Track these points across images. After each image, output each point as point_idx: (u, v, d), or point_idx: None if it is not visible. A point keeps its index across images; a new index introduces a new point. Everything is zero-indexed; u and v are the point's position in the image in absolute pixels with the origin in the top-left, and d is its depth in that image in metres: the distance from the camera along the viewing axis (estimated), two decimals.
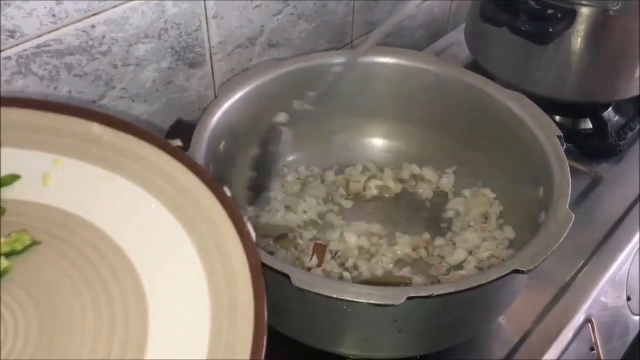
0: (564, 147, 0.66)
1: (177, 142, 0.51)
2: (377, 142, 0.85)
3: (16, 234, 0.45)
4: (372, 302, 0.51)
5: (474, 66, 0.97)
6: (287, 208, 0.78)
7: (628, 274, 0.79)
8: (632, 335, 0.81)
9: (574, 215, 0.59)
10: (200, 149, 0.65)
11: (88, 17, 0.68)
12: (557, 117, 0.96)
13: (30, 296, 0.43)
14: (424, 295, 0.52)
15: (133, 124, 0.51)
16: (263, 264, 0.45)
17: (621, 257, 0.77)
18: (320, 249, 0.72)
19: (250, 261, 0.44)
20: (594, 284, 0.74)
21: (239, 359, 0.40)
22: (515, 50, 0.89)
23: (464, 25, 1.03)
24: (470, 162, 0.79)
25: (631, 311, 0.80)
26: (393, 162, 0.84)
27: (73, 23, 0.67)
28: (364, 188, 0.81)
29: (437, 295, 0.52)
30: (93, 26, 0.69)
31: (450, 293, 0.52)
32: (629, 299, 0.79)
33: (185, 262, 0.45)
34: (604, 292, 0.75)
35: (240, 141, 0.72)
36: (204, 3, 0.77)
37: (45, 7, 0.64)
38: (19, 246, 0.45)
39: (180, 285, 0.44)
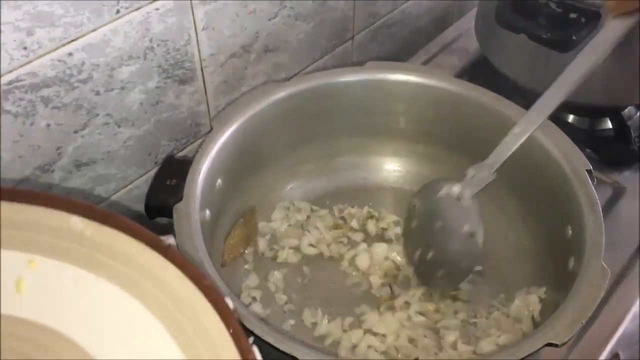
0: (594, 183, 0.61)
1: (170, 240, 0.45)
2: (386, 162, 0.79)
3: None
4: None
5: (484, 62, 0.90)
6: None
7: None
8: None
9: (609, 272, 0.53)
10: (195, 194, 0.60)
11: (64, 45, 0.61)
12: (572, 117, 0.90)
13: None
14: None
15: (119, 216, 0.45)
16: None
17: None
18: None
19: None
20: (622, 316, 0.70)
21: None
22: (531, 52, 0.82)
23: (473, 11, 0.96)
24: (487, 189, 0.73)
25: None
26: (403, 183, 0.78)
27: (48, 53, 0.60)
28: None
29: None
30: (70, 54, 0.62)
31: None
32: None
33: None
34: (632, 322, 0.70)
35: (240, 174, 0.66)
36: (193, 16, 0.70)
37: (14, 40, 0.57)
38: None
39: None
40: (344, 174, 0.78)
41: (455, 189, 0.65)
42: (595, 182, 0.62)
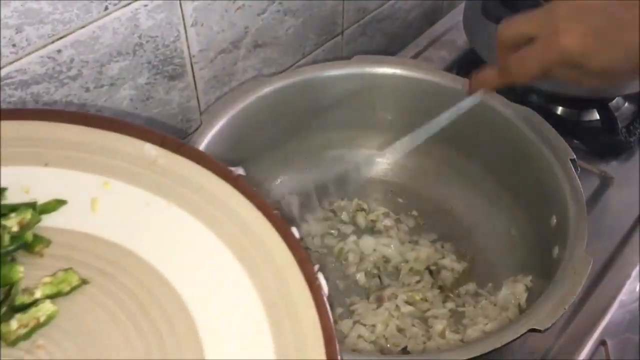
0: (579, 171, 0.61)
1: (239, 170, 0.46)
2: (375, 155, 0.79)
3: (63, 273, 0.41)
4: None
5: (473, 56, 0.91)
6: None
7: None
8: None
9: (592, 259, 0.54)
10: None
11: (53, 42, 0.62)
12: (560, 109, 0.91)
13: (77, 345, 0.39)
14: None
15: (191, 146, 0.46)
16: None
17: (634, 272, 0.73)
18: None
19: (323, 324, 0.39)
20: (608, 304, 0.71)
21: None
22: None
23: (462, 5, 0.96)
24: (475, 178, 0.74)
25: None
26: (392, 176, 0.78)
27: (37, 50, 0.61)
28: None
29: None
30: (59, 51, 0.62)
31: None
32: None
33: (249, 316, 0.40)
34: (618, 310, 0.71)
35: None
36: (182, 12, 0.71)
37: (4, 38, 0.58)
38: (65, 287, 0.41)
39: (241, 340, 0.39)
40: (334, 167, 0.78)
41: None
42: (579, 171, 0.62)
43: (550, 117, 0.70)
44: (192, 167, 0.45)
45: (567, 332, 0.69)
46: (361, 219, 0.76)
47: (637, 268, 0.74)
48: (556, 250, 0.59)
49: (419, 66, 0.73)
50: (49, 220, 0.44)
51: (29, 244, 0.43)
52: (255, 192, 0.45)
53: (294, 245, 0.42)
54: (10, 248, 0.43)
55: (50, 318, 0.40)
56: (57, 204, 0.45)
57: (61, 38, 0.62)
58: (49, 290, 0.41)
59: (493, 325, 0.61)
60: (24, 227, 0.43)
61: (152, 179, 0.45)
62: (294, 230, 0.43)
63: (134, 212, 0.44)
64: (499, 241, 0.72)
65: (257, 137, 0.69)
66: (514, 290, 0.65)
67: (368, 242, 0.72)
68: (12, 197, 0.45)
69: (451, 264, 0.71)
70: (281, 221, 0.43)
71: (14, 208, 0.44)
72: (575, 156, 0.63)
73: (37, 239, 0.43)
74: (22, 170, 0.46)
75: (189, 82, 0.77)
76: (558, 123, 0.70)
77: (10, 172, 0.46)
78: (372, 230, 0.76)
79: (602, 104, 0.89)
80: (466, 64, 0.95)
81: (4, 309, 0.40)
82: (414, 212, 0.77)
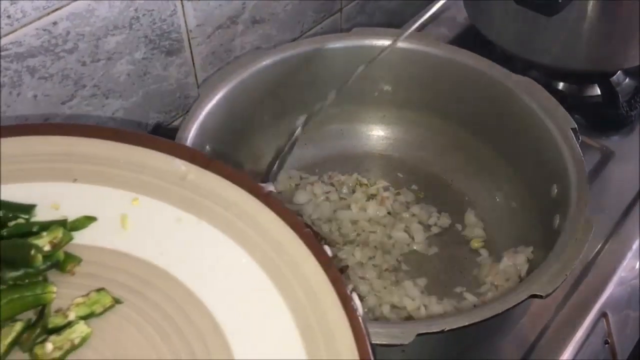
0: (579, 141, 0.61)
1: (270, 187, 0.45)
2: (375, 130, 0.79)
3: (96, 293, 0.41)
4: (379, 342, 0.47)
5: (473, 32, 0.90)
6: None
7: None
8: None
9: (593, 226, 0.54)
10: None
11: (48, 14, 0.61)
12: (562, 84, 0.90)
13: None
14: (434, 331, 0.48)
15: (220, 162, 0.45)
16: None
17: (635, 245, 0.73)
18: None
19: (359, 347, 0.37)
20: (609, 276, 0.70)
21: None
22: (519, 18, 0.82)
23: None
24: (475, 151, 0.73)
25: None
26: (391, 150, 0.78)
27: (32, 22, 0.60)
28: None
29: (449, 330, 0.48)
30: (55, 23, 0.62)
31: (464, 327, 0.48)
32: None
33: (283, 337, 0.39)
34: (618, 286, 0.71)
35: (228, 142, 0.66)
36: None
37: None
38: (98, 309, 0.40)
39: None
40: (333, 141, 0.78)
41: None
42: (580, 141, 0.62)
43: (551, 92, 0.70)
44: (222, 183, 0.45)
45: (569, 304, 0.69)
46: (361, 193, 0.76)
47: (638, 241, 0.74)
48: (557, 220, 0.59)
49: (418, 38, 0.72)
50: (78, 238, 0.43)
51: (60, 262, 0.42)
52: (287, 209, 0.44)
53: (327, 264, 0.41)
54: (43, 267, 0.42)
55: (84, 340, 0.39)
56: (87, 220, 0.44)
57: (56, 10, 0.61)
58: (82, 311, 0.40)
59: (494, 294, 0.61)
60: (55, 246, 0.42)
61: (182, 195, 0.44)
62: (327, 248, 0.42)
63: (165, 228, 0.43)
64: (500, 213, 0.72)
65: (255, 111, 0.69)
66: (515, 262, 0.64)
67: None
68: (41, 214, 0.44)
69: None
70: (313, 240, 0.42)
71: (45, 226, 0.43)
72: (576, 125, 0.63)
73: (69, 257, 0.43)
74: (51, 186, 0.45)
75: (187, 57, 0.76)
76: (559, 98, 0.69)
77: (39, 188, 0.45)
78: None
79: (603, 79, 0.89)
80: (466, 41, 0.94)
81: (37, 331, 0.39)
82: (414, 186, 0.77)
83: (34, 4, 0.59)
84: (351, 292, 0.40)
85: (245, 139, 0.70)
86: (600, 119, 0.85)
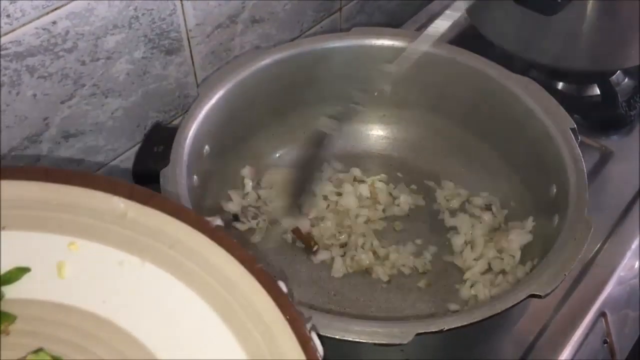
0: (579, 141, 0.61)
1: (217, 221, 0.42)
2: (374, 129, 0.79)
3: (33, 355, 0.37)
4: (377, 342, 0.47)
5: (473, 32, 0.90)
6: None
7: None
8: None
9: (592, 225, 0.54)
10: (182, 159, 0.60)
11: (47, 13, 0.61)
12: (561, 84, 0.90)
13: None
14: (434, 330, 0.48)
15: (162, 197, 0.42)
16: None
17: (634, 245, 0.73)
18: (299, 233, 0.68)
19: None
20: (609, 276, 0.70)
21: None
22: (518, 17, 0.82)
23: None
24: (474, 150, 0.73)
25: None
26: (390, 150, 0.78)
27: (31, 21, 0.60)
28: None
29: (448, 330, 0.48)
30: (54, 22, 0.62)
31: (463, 326, 0.48)
32: None
33: None
34: (618, 286, 0.71)
35: (228, 141, 0.66)
36: None
37: None
38: None
39: None
40: (332, 141, 0.78)
41: None
42: (579, 140, 0.62)
43: (551, 92, 0.70)
44: (165, 219, 0.41)
45: (568, 303, 0.69)
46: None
47: (637, 241, 0.74)
48: (556, 220, 0.59)
49: (417, 38, 0.72)
50: (11, 292, 0.40)
51: None
52: (236, 244, 0.41)
53: (282, 303, 0.38)
54: None
55: None
56: (20, 272, 0.40)
57: (56, 9, 0.61)
58: None
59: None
60: None
61: (123, 235, 0.41)
62: (281, 284, 0.40)
63: (106, 274, 0.40)
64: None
65: (255, 110, 0.69)
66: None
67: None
68: None
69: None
70: (267, 276, 0.39)
71: None
72: (575, 125, 0.63)
73: (2, 315, 0.39)
74: None
75: (186, 57, 0.76)
76: (559, 98, 0.69)
77: None
78: None
79: (602, 79, 0.89)
80: (466, 40, 0.94)
81: None
82: (413, 186, 0.77)
83: (34, 3, 0.59)
84: (310, 332, 0.38)
85: (244, 138, 0.70)
86: (600, 118, 0.86)
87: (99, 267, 0.41)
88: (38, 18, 0.60)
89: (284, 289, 0.40)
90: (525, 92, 0.66)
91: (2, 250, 0.41)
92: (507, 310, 0.50)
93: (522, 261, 0.66)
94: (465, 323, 0.48)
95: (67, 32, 0.63)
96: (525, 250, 0.67)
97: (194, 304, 0.39)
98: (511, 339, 0.66)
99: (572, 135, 0.62)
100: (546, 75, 0.89)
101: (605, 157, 0.83)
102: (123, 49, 0.69)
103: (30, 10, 0.59)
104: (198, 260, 0.40)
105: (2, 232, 0.41)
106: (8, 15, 0.58)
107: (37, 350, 0.38)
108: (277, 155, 0.77)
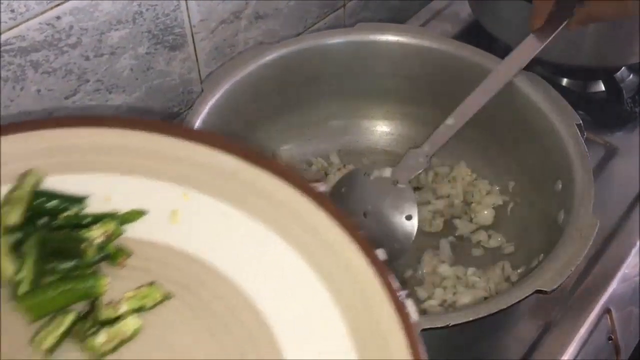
0: (584, 137, 0.61)
1: (322, 187, 0.44)
2: (379, 125, 0.78)
3: (147, 287, 0.41)
4: None
5: (477, 28, 0.90)
6: None
7: None
8: None
9: (598, 221, 0.54)
10: None
11: (52, 8, 0.61)
12: (566, 80, 0.90)
13: None
14: (439, 326, 0.48)
15: (272, 159, 0.45)
16: None
17: (639, 241, 0.73)
18: None
19: (414, 355, 0.37)
20: (613, 272, 0.70)
21: None
22: (523, 13, 0.81)
23: None
24: (479, 146, 0.73)
25: None
26: (395, 145, 0.78)
27: (35, 16, 0.60)
28: None
29: (453, 325, 0.48)
30: (58, 17, 0.62)
31: (468, 321, 0.48)
32: None
33: (335, 340, 0.38)
34: (622, 282, 0.70)
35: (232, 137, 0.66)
36: None
37: (2, 3, 0.57)
38: (149, 303, 0.40)
39: None
40: (336, 137, 0.78)
41: (387, 172, 0.66)
42: (585, 136, 0.62)
43: (555, 88, 0.70)
44: (272, 181, 0.44)
45: (572, 299, 0.69)
46: None
47: None
48: (562, 216, 0.59)
49: (422, 34, 0.72)
50: (129, 231, 0.44)
51: (111, 255, 0.42)
52: (340, 211, 0.42)
53: (380, 269, 0.40)
54: (94, 260, 0.42)
55: (135, 333, 0.39)
56: (137, 214, 0.44)
57: (60, 4, 0.61)
58: (133, 304, 0.40)
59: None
60: (106, 239, 0.42)
61: (232, 191, 0.44)
62: (380, 252, 0.41)
63: (214, 225, 0.43)
64: (504, 209, 0.71)
65: (259, 106, 0.69)
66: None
67: None
68: (92, 205, 0.44)
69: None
70: (367, 243, 0.41)
71: (97, 218, 0.43)
72: (581, 121, 0.63)
73: (119, 250, 0.43)
74: (102, 177, 0.45)
75: (190, 52, 0.76)
76: (564, 94, 0.69)
77: (91, 180, 0.45)
78: None
79: (607, 75, 0.89)
80: (470, 36, 0.94)
81: (89, 323, 0.39)
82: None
83: None
84: (405, 299, 0.39)
85: (249, 134, 0.70)
86: (605, 115, 0.85)
87: (208, 218, 0.43)
88: (42, 13, 0.60)
89: (382, 256, 0.41)
90: (531, 88, 0.65)
91: (123, 194, 0.44)
92: (512, 305, 0.49)
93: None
94: (470, 319, 0.48)
95: (71, 28, 0.63)
96: (529, 245, 0.67)
97: (295, 262, 0.41)
98: (516, 335, 0.66)
99: (578, 131, 0.62)
100: (551, 72, 0.89)
101: (610, 154, 0.82)
102: (127, 44, 0.69)
103: (34, 6, 0.59)
104: (301, 223, 0.42)
105: (125, 177, 0.45)
106: (12, 10, 0.58)
107: (150, 283, 0.41)
108: (281, 150, 0.77)
